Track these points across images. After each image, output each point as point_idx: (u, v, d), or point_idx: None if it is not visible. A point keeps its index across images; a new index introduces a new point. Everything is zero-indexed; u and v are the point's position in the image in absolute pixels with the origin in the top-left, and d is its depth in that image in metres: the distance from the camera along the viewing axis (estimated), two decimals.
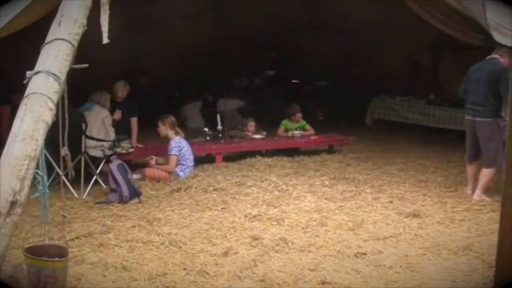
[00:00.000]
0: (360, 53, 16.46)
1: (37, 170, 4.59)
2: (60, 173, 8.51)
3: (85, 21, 4.97)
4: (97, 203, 8.15)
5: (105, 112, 9.33)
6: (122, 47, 17.19)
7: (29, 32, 7.65)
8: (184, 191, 8.64)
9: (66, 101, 4.89)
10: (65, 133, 5.09)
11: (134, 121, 10.60)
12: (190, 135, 12.65)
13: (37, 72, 4.56)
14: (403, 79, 16.14)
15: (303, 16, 16.60)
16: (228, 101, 14.51)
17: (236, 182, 9.07)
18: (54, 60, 4.61)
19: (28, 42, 9.19)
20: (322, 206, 7.92)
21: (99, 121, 9.14)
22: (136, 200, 8.18)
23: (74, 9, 4.89)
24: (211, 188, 8.73)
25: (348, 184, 9.17)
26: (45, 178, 4.74)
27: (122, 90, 10.45)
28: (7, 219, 3.97)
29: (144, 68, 17.92)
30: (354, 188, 8.92)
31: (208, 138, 11.39)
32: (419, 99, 15.05)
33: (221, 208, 7.82)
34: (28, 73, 4.60)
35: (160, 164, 9.71)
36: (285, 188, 8.82)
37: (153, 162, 9.57)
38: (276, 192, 8.58)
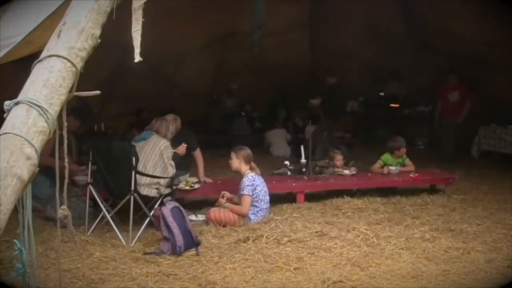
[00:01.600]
0: (463, 74, 14.57)
1: (15, 240, 3.23)
2: (107, 214, 7.30)
3: (97, 32, 3.58)
4: (145, 253, 6.78)
5: (164, 143, 7.90)
6: (207, 64, 16.26)
7: None
8: (253, 241, 7.13)
9: (65, 142, 3.52)
10: (63, 183, 3.70)
11: (197, 153, 9.26)
12: (273, 164, 11.32)
13: (17, 103, 3.19)
14: None
15: (405, 33, 14.89)
16: (316, 127, 13.13)
17: (316, 232, 7.44)
18: (43, 85, 3.23)
19: None
20: (422, 270, 6.25)
21: (157, 154, 7.75)
22: (193, 250, 6.77)
23: (81, 14, 3.49)
24: (286, 239, 7.17)
25: (454, 238, 7.40)
26: (26, 252, 3.32)
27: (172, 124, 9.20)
28: None
29: (230, 87, 16.78)
30: (461, 244, 7.16)
31: (289, 173, 9.86)
32: None
33: (294, 269, 6.24)
34: (7, 103, 3.24)
35: (234, 203, 8.28)
36: (375, 241, 7.17)
37: (223, 201, 8.18)
38: (365, 248, 6.94)
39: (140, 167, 7.45)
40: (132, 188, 7.15)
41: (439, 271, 6.20)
